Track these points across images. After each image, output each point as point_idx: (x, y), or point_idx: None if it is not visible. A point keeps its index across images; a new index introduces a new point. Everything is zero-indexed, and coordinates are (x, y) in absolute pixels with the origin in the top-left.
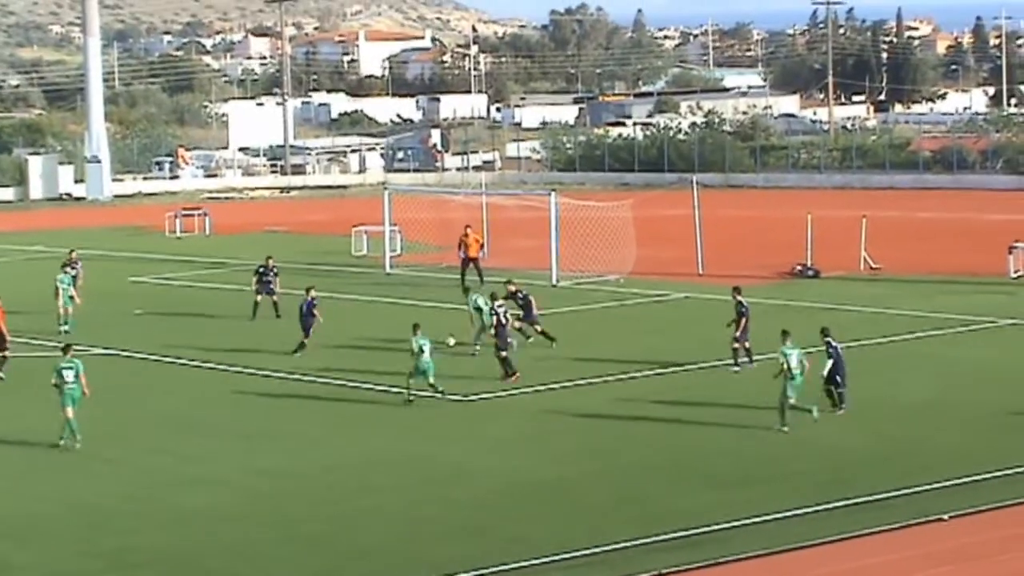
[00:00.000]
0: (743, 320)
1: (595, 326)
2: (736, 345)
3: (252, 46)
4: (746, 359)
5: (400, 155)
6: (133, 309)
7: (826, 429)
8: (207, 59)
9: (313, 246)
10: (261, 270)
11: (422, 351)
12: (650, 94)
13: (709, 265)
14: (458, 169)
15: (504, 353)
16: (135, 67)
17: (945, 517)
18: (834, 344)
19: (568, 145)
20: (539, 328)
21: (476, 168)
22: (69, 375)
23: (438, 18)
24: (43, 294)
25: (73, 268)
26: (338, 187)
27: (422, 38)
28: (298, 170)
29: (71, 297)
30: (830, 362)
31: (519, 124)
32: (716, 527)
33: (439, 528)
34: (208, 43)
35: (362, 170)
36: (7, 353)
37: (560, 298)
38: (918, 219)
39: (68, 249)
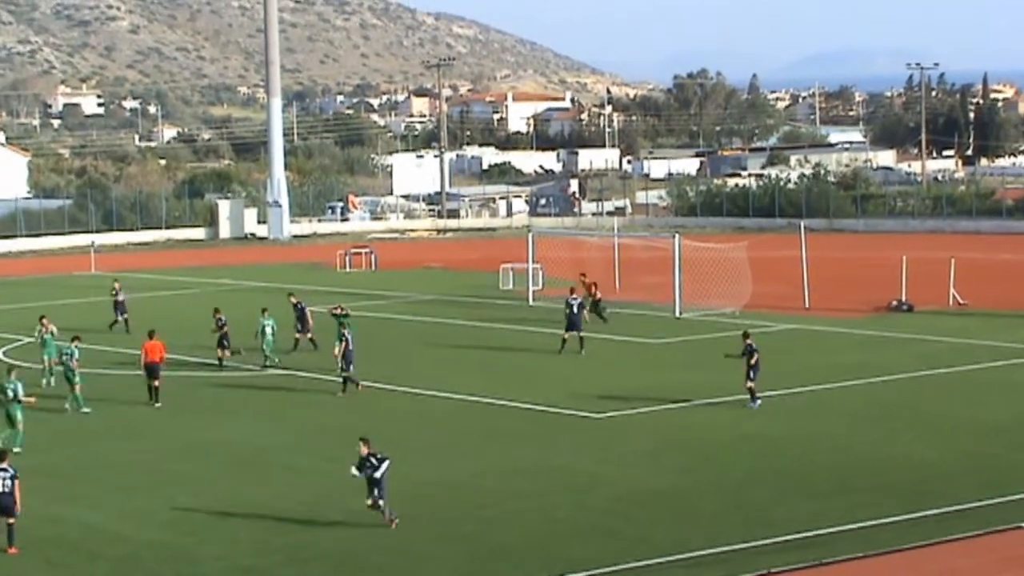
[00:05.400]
0: (752, 359)
1: (713, 353)
2: (750, 385)
3: (413, 105)
4: (755, 398)
5: (542, 201)
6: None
7: (915, 446)
8: (374, 116)
9: (466, 281)
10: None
11: (264, 332)
12: (763, 149)
13: (814, 300)
14: (593, 214)
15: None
16: (311, 123)
17: (1022, 525)
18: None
19: (691, 193)
20: (311, 336)
21: (609, 213)
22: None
23: (577, 81)
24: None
25: (118, 294)
26: (488, 229)
27: (563, 99)
28: (453, 214)
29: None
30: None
31: (647, 175)
32: (817, 532)
33: (573, 530)
34: (375, 102)
35: (509, 214)
36: (158, 383)
37: (683, 328)
38: (1001, 260)
39: (113, 278)
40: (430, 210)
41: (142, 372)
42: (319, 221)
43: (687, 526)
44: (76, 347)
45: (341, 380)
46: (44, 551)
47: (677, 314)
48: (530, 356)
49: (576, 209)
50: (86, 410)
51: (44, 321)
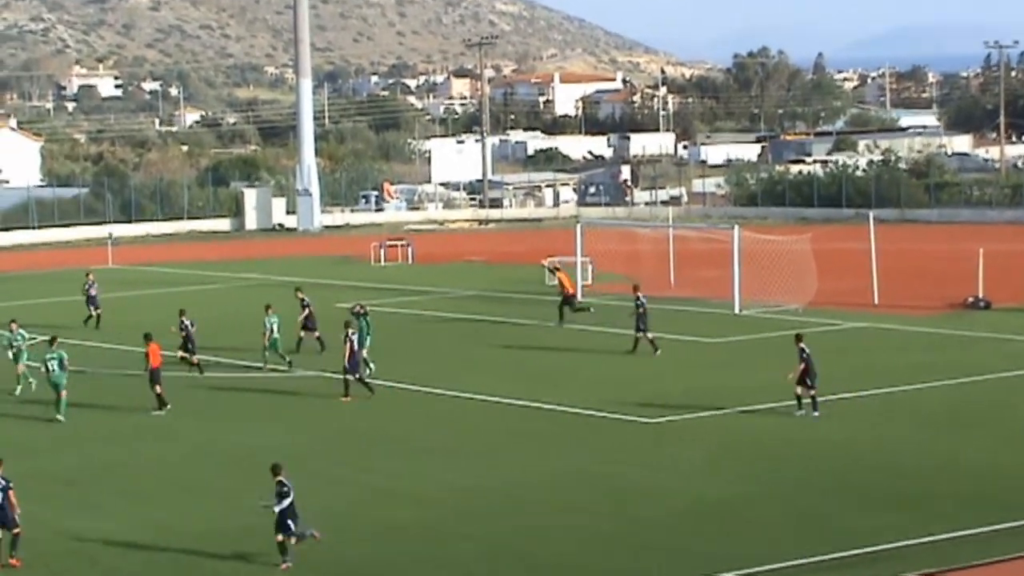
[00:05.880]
0: (803, 366)
1: (775, 353)
2: (812, 393)
3: (453, 87)
4: (805, 406)
5: (592, 190)
6: (339, 334)
7: (997, 453)
8: (411, 99)
9: (509, 275)
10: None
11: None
12: (829, 133)
13: (884, 296)
14: (646, 203)
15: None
16: (344, 106)
17: None
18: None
19: (751, 181)
20: (317, 335)
21: (663, 202)
22: (54, 364)
23: (629, 61)
24: (249, 318)
25: (91, 288)
26: (533, 220)
27: (613, 80)
28: (496, 203)
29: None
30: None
31: (704, 161)
32: (889, 545)
33: (627, 545)
34: (412, 84)
35: (556, 204)
36: (160, 389)
37: (742, 326)
38: None
39: (86, 271)
40: (471, 199)
41: (145, 376)
42: (352, 211)
43: (748, 539)
44: (59, 352)
45: (343, 383)
46: (53, 564)
47: (736, 311)
48: (578, 356)
49: (628, 198)
50: (61, 418)
51: (13, 326)
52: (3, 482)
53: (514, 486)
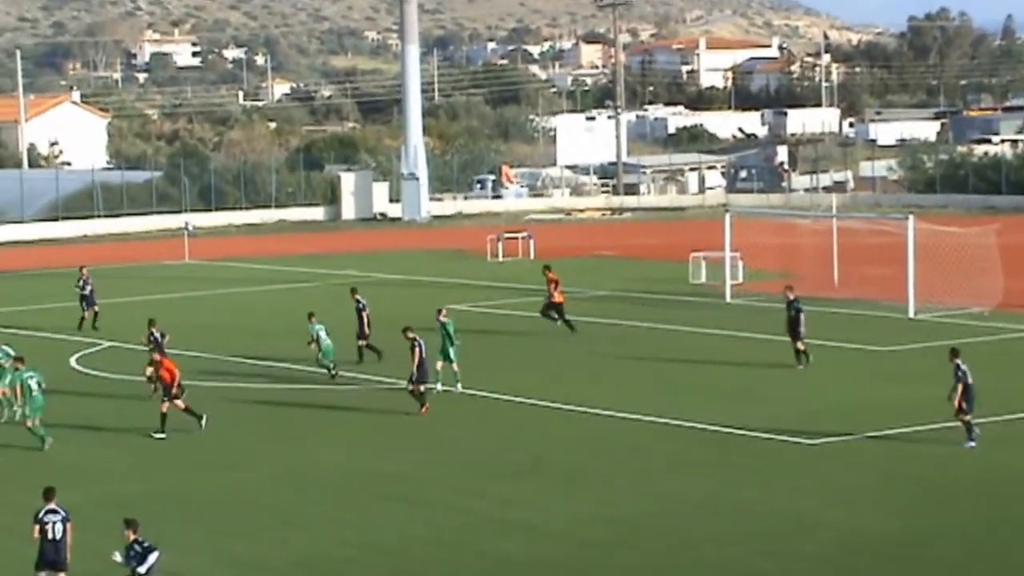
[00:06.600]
0: (960, 387)
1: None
2: (966, 418)
3: (583, 54)
4: (971, 435)
5: (743, 174)
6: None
7: None
8: (534, 68)
9: (646, 273)
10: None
11: (319, 338)
12: (1020, 108)
13: None
14: (806, 190)
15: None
16: (456, 77)
17: None
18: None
19: (928, 164)
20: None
21: (826, 189)
22: (33, 383)
23: (786, 24)
24: (345, 322)
25: (86, 285)
26: (674, 209)
27: (768, 46)
28: (631, 190)
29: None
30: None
31: (874, 141)
32: None
33: None
34: (535, 51)
35: (701, 190)
36: (184, 404)
37: (917, 332)
38: None
39: (79, 266)
40: (602, 185)
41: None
42: (465, 198)
43: None
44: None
45: (413, 395)
46: None
47: (911, 315)
48: (725, 367)
49: (784, 184)
50: (47, 438)
51: None
52: (61, 513)
53: (643, 515)
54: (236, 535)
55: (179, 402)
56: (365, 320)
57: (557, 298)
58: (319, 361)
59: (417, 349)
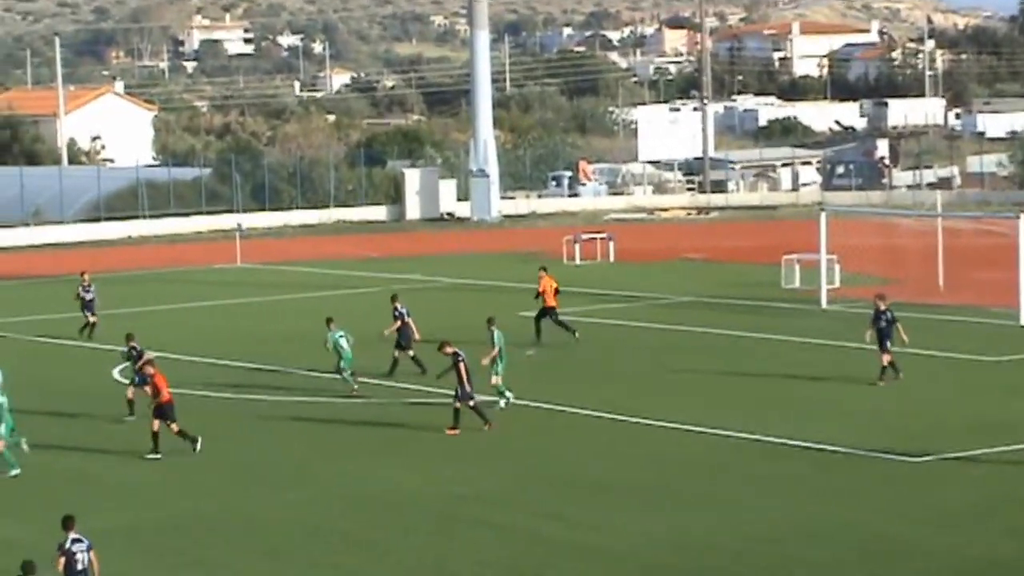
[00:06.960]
0: None
1: None
2: None
3: (666, 40)
4: None
5: (840, 170)
6: (524, 351)
7: None
8: (613, 56)
9: (735, 277)
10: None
11: (339, 345)
12: None
13: None
14: (909, 187)
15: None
16: (529, 65)
17: None
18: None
19: None
20: (412, 354)
21: (930, 186)
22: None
23: (886, 7)
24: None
25: (87, 292)
26: (766, 207)
27: (867, 31)
28: (719, 187)
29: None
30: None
31: (982, 133)
32: None
33: None
34: (615, 37)
35: (794, 188)
36: (176, 427)
37: None
38: None
39: (80, 271)
40: (688, 182)
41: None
42: (539, 197)
43: None
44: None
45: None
46: None
47: (1022, 322)
48: (820, 379)
49: (885, 180)
50: (14, 472)
51: None
52: (86, 541)
53: (731, 539)
54: (291, 560)
55: (175, 424)
56: (411, 329)
57: (551, 302)
58: (339, 370)
59: (461, 364)
